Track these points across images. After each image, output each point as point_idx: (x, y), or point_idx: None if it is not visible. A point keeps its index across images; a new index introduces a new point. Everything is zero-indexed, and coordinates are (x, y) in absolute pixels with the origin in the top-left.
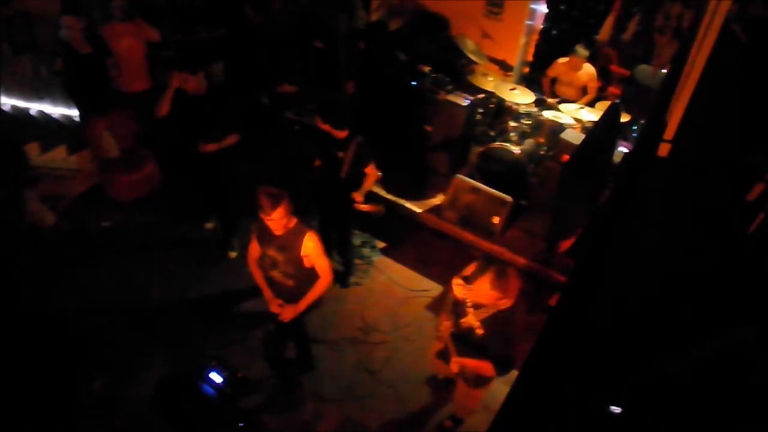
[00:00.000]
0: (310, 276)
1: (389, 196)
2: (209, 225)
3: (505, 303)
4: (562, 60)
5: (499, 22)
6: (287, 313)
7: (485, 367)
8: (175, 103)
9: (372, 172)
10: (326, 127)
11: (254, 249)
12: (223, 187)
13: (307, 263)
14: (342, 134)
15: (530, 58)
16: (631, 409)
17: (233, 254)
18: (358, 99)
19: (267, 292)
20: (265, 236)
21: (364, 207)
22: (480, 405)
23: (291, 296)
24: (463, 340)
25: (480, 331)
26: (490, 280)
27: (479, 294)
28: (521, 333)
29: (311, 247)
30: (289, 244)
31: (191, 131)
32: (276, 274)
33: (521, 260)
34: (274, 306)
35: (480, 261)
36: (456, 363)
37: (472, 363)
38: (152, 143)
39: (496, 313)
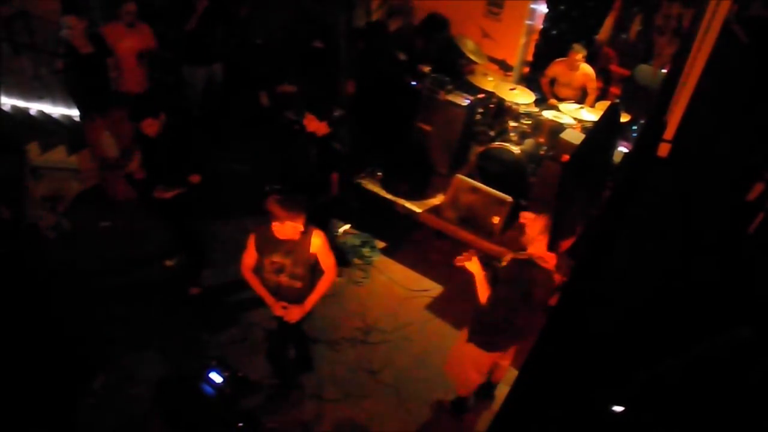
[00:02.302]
0: (315, 274)
1: (389, 196)
2: (169, 262)
3: (541, 253)
4: (560, 60)
5: (499, 22)
6: (293, 314)
7: (485, 286)
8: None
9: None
10: (321, 125)
11: (250, 258)
12: (187, 225)
13: (313, 260)
14: (324, 131)
15: (530, 58)
16: (631, 409)
17: (197, 290)
18: (358, 99)
19: (268, 298)
20: (269, 243)
21: None
22: (478, 403)
23: (297, 297)
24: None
25: (504, 263)
26: (545, 221)
27: (531, 228)
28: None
29: (319, 245)
30: (298, 246)
31: (151, 175)
32: (283, 279)
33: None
34: (278, 309)
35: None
36: (471, 253)
37: (480, 270)
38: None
39: (525, 262)
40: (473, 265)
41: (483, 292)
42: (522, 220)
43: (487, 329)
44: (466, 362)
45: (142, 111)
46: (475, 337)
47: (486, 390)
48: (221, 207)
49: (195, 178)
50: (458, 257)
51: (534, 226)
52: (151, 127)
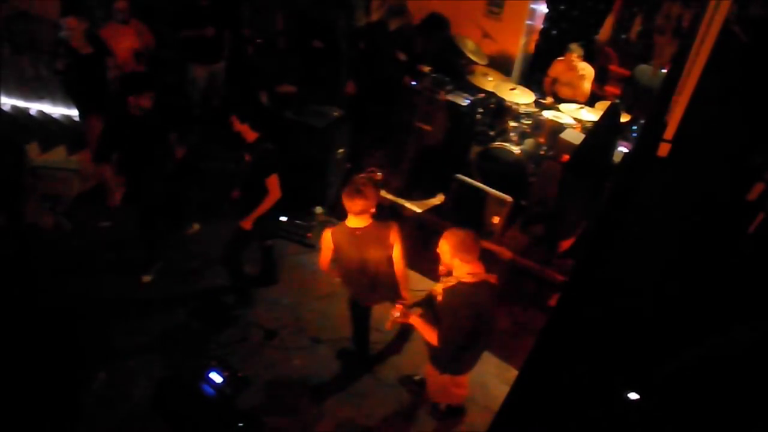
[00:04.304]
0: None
1: (389, 196)
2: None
3: (464, 271)
4: (560, 59)
5: (499, 22)
6: None
7: (429, 330)
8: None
9: (273, 185)
10: (243, 127)
11: None
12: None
13: None
14: (253, 136)
15: (530, 58)
16: (631, 408)
17: (147, 278)
18: (358, 99)
19: None
20: None
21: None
22: (478, 403)
23: None
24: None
25: (439, 298)
26: (451, 242)
27: (442, 253)
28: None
29: None
30: None
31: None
32: None
33: (521, 260)
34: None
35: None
36: (399, 309)
37: (417, 319)
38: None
39: (456, 288)
40: (407, 317)
41: (431, 336)
42: (438, 250)
43: (449, 359)
44: (447, 385)
45: (139, 84)
46: (440, 368)
47: None
48: (222, 207)
49: (180, 153)
50: (391, 320)
51: (444, 251)
52: (146, 101)
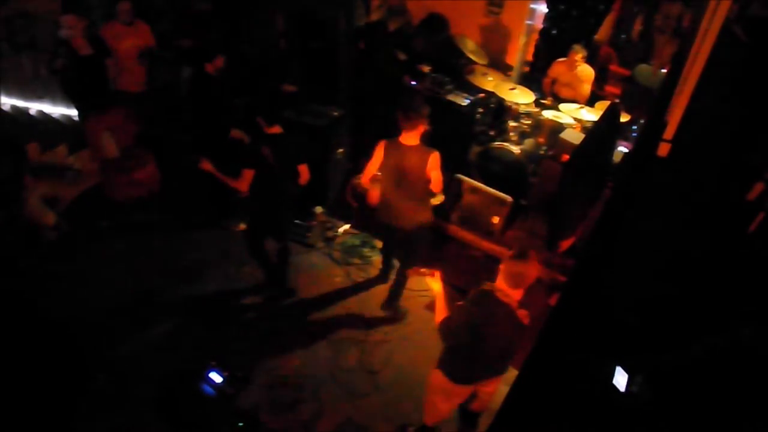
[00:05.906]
0: None
1: None
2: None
3: (503, 287)
4: (560, 60)
5: (499, 22)
6: None
7: (443, 307)
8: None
9: (245, 177)
10: (260, 121)
11: None
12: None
13: None
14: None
15: (530, 58)
16: (631, 406)
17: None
18: (358, 99)
19: None
20: None
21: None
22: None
23: None
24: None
25: (472, 291)
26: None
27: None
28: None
29: None
30: None
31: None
32: None
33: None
34: None
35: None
36: (435, 272)
37: (441, 293)
38: (154, 142)
39: (484, 293)
40: (434, 283)
41: (439, 312)
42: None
43: (454, 357)
44: (437, 389)
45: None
46: (444, 365)
47: (468, 419)
48: (219, 209)
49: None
50: (423, 269)
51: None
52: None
